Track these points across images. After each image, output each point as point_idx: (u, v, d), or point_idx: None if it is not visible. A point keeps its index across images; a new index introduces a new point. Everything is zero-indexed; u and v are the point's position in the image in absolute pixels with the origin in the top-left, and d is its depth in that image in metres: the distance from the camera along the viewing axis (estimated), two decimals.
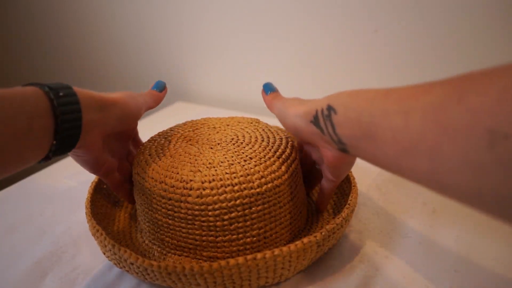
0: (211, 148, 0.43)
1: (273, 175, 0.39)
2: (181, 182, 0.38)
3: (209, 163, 0.40)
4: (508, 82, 0.21)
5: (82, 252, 0.46)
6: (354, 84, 0.79)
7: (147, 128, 0.84)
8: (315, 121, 0.36)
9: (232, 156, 0.41)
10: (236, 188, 0.38)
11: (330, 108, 0.34)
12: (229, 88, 0.98)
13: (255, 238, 0.40)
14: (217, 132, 0.47)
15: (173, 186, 0.39)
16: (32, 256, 0.45)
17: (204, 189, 0.38)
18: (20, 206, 0.56)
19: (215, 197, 0.37)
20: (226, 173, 0.38)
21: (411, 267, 0.42)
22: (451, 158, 0.24)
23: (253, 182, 0.38)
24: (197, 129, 0.49)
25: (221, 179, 0.38)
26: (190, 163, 0.40)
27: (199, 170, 0.39)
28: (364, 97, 0.32)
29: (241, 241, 0.39)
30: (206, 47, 0.95)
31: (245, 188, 0.38)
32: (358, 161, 0.57)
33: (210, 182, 0.38)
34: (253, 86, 0.93)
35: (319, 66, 0.82)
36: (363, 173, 0.59)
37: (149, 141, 0.47)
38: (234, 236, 0.39)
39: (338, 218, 0.39)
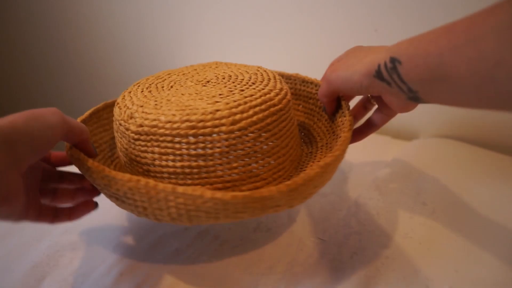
0: (204, 86, 0.42)
1: (282, 92, 0.41)
2: (207, 114, 0.35)
3: (219, 95, 0.38)
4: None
5: (80, 256, 0.45)
6: None
7: None
8: (377, 75, 0.35)
9: (235, 87, 0.41)
10: (263, 107, 0.37)
11: (394, 60, 0.33)
12: None
13: (284, 157, 0.41)
14: (198, 74, 0.47)
15: (202, 121, 0.35)
16: (29, 260, 0.45)
17: (235, 114, 0.36)
18: None
19: (249, 120, 0.36)
20: (245, 96, 0.38)
21: (411, 267, 0.41)
22: None
23: (273, 100, 0.39)
24: (172, 74, 0.48)
25: (245, 102, 0.37)
26: (200, 98, 0.38)
27: (216, 101, 0.37)
28: (427, 39, 0.30)
29: (276, 162, 0.40)
30: (206, 46, 0.95)
31: (269, 106, 0.38)
32: (357, 162, 0.57)
33: (237, 107, 0.36)
34: None
35: (319, 65, 0.81)
36: (363, 173, 0.58)
37: (129, 93, 0.43)
38: (270, 159, 0.39)
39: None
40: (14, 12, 1.21)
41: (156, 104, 0.38)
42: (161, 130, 0.36)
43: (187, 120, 0.35)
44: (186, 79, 0.46)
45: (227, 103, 0.37)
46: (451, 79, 0.28)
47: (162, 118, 0.36)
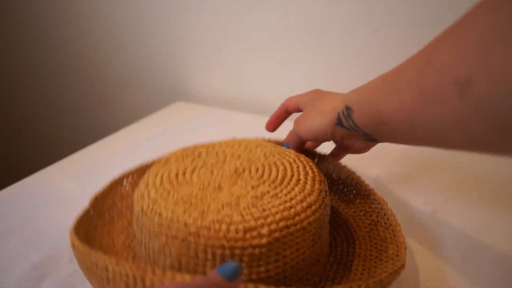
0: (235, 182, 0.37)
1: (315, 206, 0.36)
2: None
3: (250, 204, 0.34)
4: (462, 38, 0.24)
5: None
6: (353, 83, 0.78)
7: (147, 129, 0.85)
8: (338, 122, 0.39)
9: (267, 191, 0.36)
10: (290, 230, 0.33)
11: (348, 108, 0.37)
12: (229, 88, 0.97)
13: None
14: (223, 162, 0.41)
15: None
16: (29, 260, 0.45)
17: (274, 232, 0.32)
18: (17, 208, 0.55)
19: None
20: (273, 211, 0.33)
21: (411, 267, 0.41)
22: (438, 119, 0.26)
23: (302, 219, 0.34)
24: (194, 158, 0.42)
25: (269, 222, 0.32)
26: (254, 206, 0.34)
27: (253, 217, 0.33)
28: (369, 88, 0.35)
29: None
30: (206, 46, 0.95)
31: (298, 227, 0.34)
32: (357, 163, 0.57)
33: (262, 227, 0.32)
34: (253, 86, 0.93)
35: (319, 65, 0.81)
36: (363, 174, 0.58)
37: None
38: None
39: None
40: (14, 12, 1.21)
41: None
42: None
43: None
44: (212, 171, 0.40)
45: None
46: (389, 123, 0.32)
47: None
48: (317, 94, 0.46)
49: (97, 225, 0.44)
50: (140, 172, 0.50)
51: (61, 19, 1.14)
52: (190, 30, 0.94)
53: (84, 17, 1.10)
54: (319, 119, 0.42)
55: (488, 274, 0.40)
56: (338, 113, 0.39)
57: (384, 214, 0.42)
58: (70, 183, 0.61)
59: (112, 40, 1.09)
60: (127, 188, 0.49)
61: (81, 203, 0.45)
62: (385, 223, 0.41)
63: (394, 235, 0.39)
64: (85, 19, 1.10)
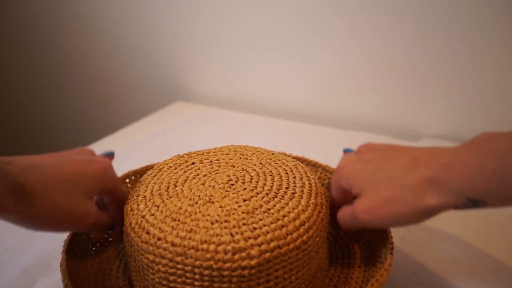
0: (227, 191, 0.36)
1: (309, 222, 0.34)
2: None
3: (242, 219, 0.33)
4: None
5: None
6: (353, 83, 0.78)
7: (147, 129, 0.84)
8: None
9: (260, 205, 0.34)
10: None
11: (474, 201, 0.28)
12: (229, 88, 0.97)
13: None
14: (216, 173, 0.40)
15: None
16: (21, 263, 0.45)
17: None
18: None
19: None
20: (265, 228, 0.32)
21: (408, 270, 0.41)
22: None
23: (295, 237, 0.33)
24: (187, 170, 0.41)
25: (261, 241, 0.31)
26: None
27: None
28: (490, 174, 0.27)
29: None
30: (206, 46, 0.94)
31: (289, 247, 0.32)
32: None
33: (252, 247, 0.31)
34: (253, 86, 0.93)
35: (319, 65, 0.81)
36: None
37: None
38: None
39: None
40: (14, 12, 1.21)
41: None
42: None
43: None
44: (203, 182, 0.38)
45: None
46: None
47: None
48: (374, 166, 0.34)
49: None
50: (140, 172, 0.50)
51: (61, 19, 1.14)
52: (190, 30, 0.94)
53: (84, 17, 1.10)
54: (409, 215, 0.31)
55: (488, 275, 0.40)
56: (455, 207, 0.29)
57: None
58: None
59: (112, 40, 1.09)
60: (129, 186, 0.49)
61: None
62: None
63: (384, 237, 0.38)
64: (85, 19, 1.10)
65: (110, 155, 0.43)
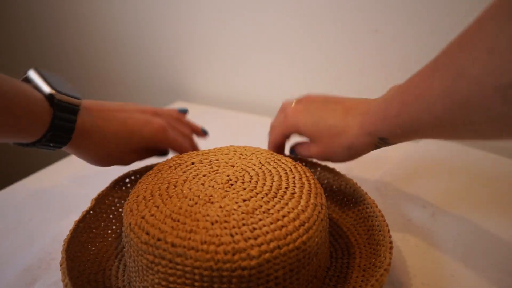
0: (227, 191, 0.36)
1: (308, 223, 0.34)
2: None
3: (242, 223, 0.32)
4: (488, 45, 0.24)
5: None
6: (353, 83, 0.78)
7: None
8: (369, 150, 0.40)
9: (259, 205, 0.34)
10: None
11: (383, 139, 0.37)
12: (229, 88, 0.97)
13: None
14: (216, 174, 0.40)
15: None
16: (21, 263, 0.45)
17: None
18: (9, 211, 0.55)
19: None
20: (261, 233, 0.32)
21: (409, 270, 0.41)
22: (482, 123, 0.27)
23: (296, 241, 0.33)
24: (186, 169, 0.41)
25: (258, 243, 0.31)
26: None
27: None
28: (391, 113, 0.35)
29: None
30: (206, 46, 0.94)
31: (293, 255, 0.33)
32: (358, 164, 0.56)
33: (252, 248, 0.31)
34: (253, 86, 0.93)
35: (319, 65, 0.81)
36: (363, 175, 0.58)
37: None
38: None
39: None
40: (14, 12, 1.21)
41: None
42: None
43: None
44: (203, 183, 0.38)
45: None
46: (426, 137, 0.34)
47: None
48: (317, 117, 0.43)
49: (97, 226, 0.44)
50: (140, 173, 0.50)
51: (61, 19, 1.14)
52: (190, 30, 0.94)
53: (84, 17, 1.10)
54: (344, 154, 0.42)
55: (487, 276, 0.40)
56: (375, 146, 0.39)
57: (376, 217, 0.41)
58: (64, 187, 0.61)
59: (112, 40, 1.09)
60: (129, 185, 0.49)
61: (80, 203, 0.45)
62: (378, 225, 0.40)
63: (384, 237, 0.38)
64: (85, 19, 1.10)
65: (184, 112, 0.58)
